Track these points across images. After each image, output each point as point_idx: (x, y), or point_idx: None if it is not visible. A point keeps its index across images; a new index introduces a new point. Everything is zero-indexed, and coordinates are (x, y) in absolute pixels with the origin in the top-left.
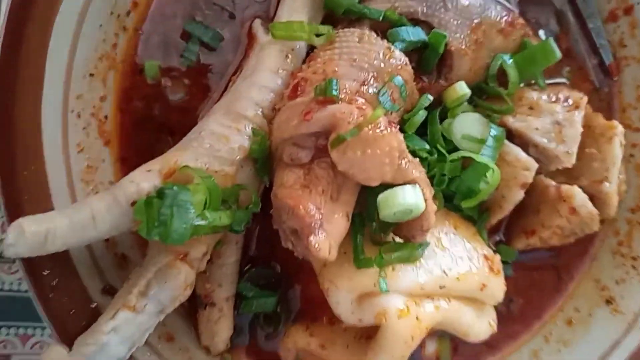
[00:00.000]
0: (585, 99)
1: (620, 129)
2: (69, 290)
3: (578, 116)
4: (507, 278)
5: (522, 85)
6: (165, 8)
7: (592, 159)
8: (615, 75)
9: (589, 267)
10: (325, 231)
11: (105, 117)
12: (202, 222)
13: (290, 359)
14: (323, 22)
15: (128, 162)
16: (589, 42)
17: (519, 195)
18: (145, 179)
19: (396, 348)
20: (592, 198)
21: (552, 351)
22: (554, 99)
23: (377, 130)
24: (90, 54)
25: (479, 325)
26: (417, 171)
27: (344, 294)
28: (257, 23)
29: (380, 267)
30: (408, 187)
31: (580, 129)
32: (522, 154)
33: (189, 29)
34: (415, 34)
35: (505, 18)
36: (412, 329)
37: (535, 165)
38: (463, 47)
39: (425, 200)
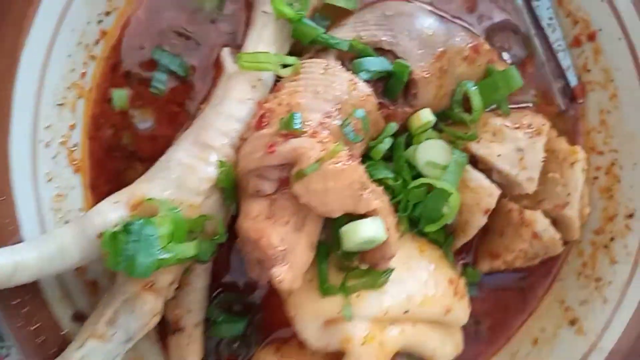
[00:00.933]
0: (548, 125)
1: (582, 154)
2: (38, 318)
3: (540, 143)
4: (474, 299)
5: (486, 110)
6: (134, 37)
7: (555, 184)
8: (581, 97)
9: (554, 288)
10: (288, 262)
11: (75, 145)
12: (167, 256)
13: None
14: (291, 51)
15: (99, 189)
16: (555, 65)
17: (482, 220)
18: (112, 210)
19: None
20: (555, 221)
21: None
22: (517, 125)
23: (338, 164)
24: (59, 84)
25: (445, 347)
26: (379, 201)
27: (309, 321)
28: (225, 52)
29: (345, 295)
30: (368, 220)
31: (542, 156)
32: (485, 181)
33: (156, 57)
34: (379, 64)
35: (470, 44)
36: (375, 355)
37: (497, 192)
38: (427, 75)
39: (387, 229)
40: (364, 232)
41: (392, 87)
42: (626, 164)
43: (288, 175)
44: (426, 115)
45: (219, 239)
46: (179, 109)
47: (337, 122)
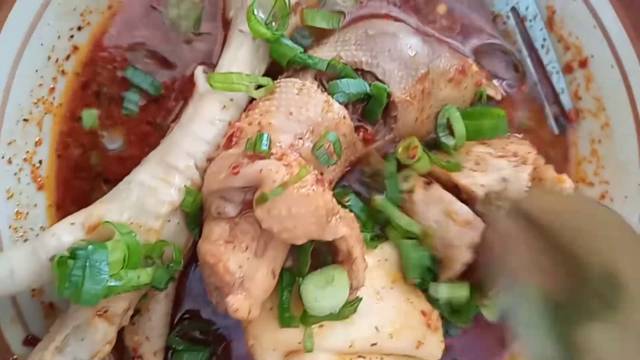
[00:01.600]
0: (534, 153)
1: (569, 183)
2: None
3: (525, 172)
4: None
5: None
6: (105, 54)
7: None
8: (575, 121)
9: None
10: (245, 290)
11: (40, 161)
12: (117, 283)
13: None
14: (271, 70)
15: (64, 209)
16: (549, 89)
17: (467, 256)
18: (67, 232)
19: None
20: None
21: None
22: (501, 153)
23: (303, 190)
24: (25, 99)
25: None
26: (348, 228)
27: (268, 351)
28: (199, 70)
29: (305, 326)
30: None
31: (527, 185)
32: (469, 215)
33: (128, 76)
34: (355, 86)
35: (455, 66)
36: None
37: (482, 225)
38: (407, 97)
39: (355, 257)
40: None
41: (371, 109)
42: (617, 196)
43: (251, 198)
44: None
45: (174, 266)
46: (150, 129)
47: (309, 145)
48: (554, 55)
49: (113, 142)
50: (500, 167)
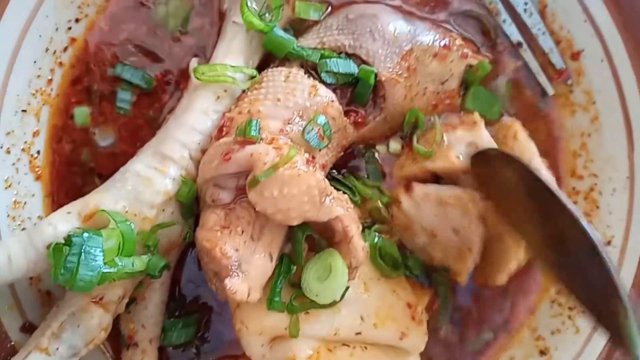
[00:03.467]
0: (476, 114)
1: (517, 124)
2: None
3: (483, 130)
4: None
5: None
6: (97, 49)
7: None
8: (569, 78)
9: (527, 316)
10: (243, 273)
11: (38, 152)
12: (112, 270)
13: None
14: (264, 63)
15: (59, 201)
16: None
17: (479, 228)
18: (63, 221)
19: None
20: None
21: None
22: (451, 126)
23: (293, 170)
24: (24, 90)
25: None
26: (342, 208)
27: (255, 336)
28: (194, 62)
29: (292, 314)
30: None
31: (491, 138)
32: (458, 190)
33: (118, 72)
34: (344, 66)
35: (439, 42)
36: None
37: (477, 195)
38: (394, 76)
39: (352, 236)
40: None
41: (360, 92)
42: (605, 190)
43: (244, 183)
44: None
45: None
46: (142, 123)
47: (299, 129)
48: (538, 17)
49: (105, 139)
50: (459, 137)
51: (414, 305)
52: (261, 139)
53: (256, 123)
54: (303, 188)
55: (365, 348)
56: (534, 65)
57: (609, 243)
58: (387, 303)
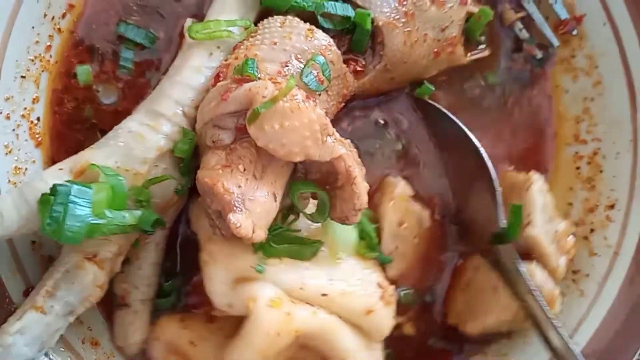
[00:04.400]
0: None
1: (536, 177)
2: None
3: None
4: None
5: None
6: (98, 11)
7: None
8: (574, 28)
9: None
10: (247, 209)
11: (38, 118)
12: (101, 221)
13: (156, 350)
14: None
15: (59, 159)
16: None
17: None
18: (55, 176)
19: (258, 339)
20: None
21: None
22: None
23: (293, 102)
24: (22, 56)
25: (360, 357)
26: (344, 148)
27: (220, 271)
28: (188, 22)
29: (266, 255)
30: None
31: None
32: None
33: (121, 31)
34: (341, 8)
35: None
36: (279, 324)
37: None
38: (391, 20)
39: (355, 177)
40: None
41: (358, 38)
42: (609, 153)
43: (244, 122)
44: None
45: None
46: (144, 81)
47: (296, 71)
48: None
49: (108, 97)
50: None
51: (385, 287)
52: (259, 78)
53: (253, 62)
54: (304, 121)
55: (329, 313)
56: (538, 17)
57: (612, 207)
58: (359, 275)
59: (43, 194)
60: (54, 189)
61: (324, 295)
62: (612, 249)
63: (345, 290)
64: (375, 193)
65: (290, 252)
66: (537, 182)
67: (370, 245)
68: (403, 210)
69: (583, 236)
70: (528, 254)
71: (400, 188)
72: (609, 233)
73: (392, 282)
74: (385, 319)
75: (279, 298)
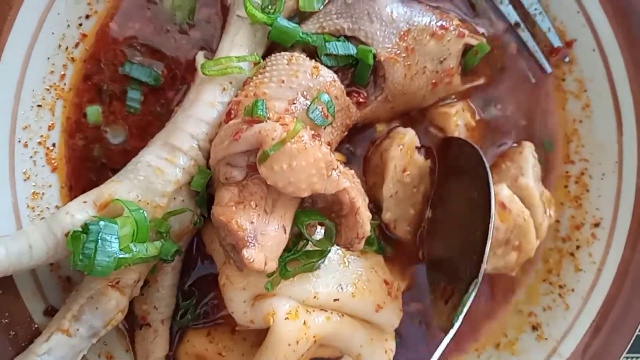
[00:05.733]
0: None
1: (529, 143)
2: (11, 313)
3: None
4: None
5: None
6: (106, 49)
7: (508, 169)
8: (566, 56)
9: (519, 293)
10: (259, 244)
11: (54, 144)
12: (127, 255)
13: None
14: (265, 54)
15: (74, 188)
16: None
17: None
18: (80, 210)
19: (279, 349)
20: None
21: None
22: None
23: (300, 144)
24: (38, 86)
25: (373, 350)
26: (349, 181)
27: (238, 291)
28: (200, 56)
29: (285, 278)
30: None
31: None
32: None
33: (126, 71)
34: (342, 48)
35: (436, 22)
36: (297, 333)
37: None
38: (392, 55)
39: (358, 207)
40: None
41: (360, 72)
42: (595, 174)
43: (255, 161)
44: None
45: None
46: (151, 119)
47: (303, 108)
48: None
49: (116, 136)
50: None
51: (390, 282)
52: (268, 118)
53: (262, 103)
54: (310, 160)
55: (342, 315)
56: (532, 44)
57: (597, 225)
58: (365, 277)
59: (74, 231)
60: (85, 227)
61: (335, 300)
62: (596, 265)
63: (355, 292)
64: (384, 140)
65: (303, 270)
66: (530, 147)
67: (368, 240)
68: (408, 158)
69: (569, 252)
70: None
71: (409, 136)
72: (593, 250)
73: (386, 226)
74: (393, 313)
75: (295, 309)
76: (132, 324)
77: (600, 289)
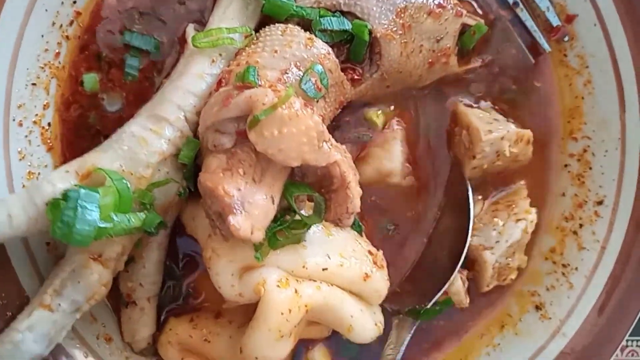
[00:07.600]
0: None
1: (532, 216)
2: (7, 293)
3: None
4: None
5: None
6: (104, 20)
7: (493, 227)
8: (566, 35)
9: (523, 273)
10: (246, 212)
11: (49, 124)
12: (108, 225)
13: (171, 353)
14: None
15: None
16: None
17: None
18: (62, 179)
19: (272, 318)
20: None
21: (481, 355)
22: None
23: (292, 110)
24: (32, 64)
25: (364, 321)
26: (340, 154)
27: (225, 263)
28: (190, 28)
29: (274, 248)
30: None
31: None
32: None
33: (127, 40)
34: (337, 23)
35: (434, 0)
36: (289, 301)
37: None
38: (389, 32)
39: (349, 182)
40: None
41: (356, 49)
42: (598, 151)
43: (244, 127)
44: None
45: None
46: (147, 85)
47: (295, 78)
48: None
49: (113, 104)
50: None
51: (375, 253)
52: (259, 85)
53: (254, 69)
54: (302, 128)
55: (331, 286)
56: (531, 23)
57: (600, 203)
58: (350, 246)
59: (54, 199)
60: (64, 194)
61: (324, 269)
62: (599, 243)
63: (342, 262)
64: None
65: (292, 240)
66: (529, 222)
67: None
68: None
69: (572, 231)
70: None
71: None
72: (597, 228)
73: None
74: (380, 282)
75: (285, 278)
76: (118, 303)
77: (604, 267)
